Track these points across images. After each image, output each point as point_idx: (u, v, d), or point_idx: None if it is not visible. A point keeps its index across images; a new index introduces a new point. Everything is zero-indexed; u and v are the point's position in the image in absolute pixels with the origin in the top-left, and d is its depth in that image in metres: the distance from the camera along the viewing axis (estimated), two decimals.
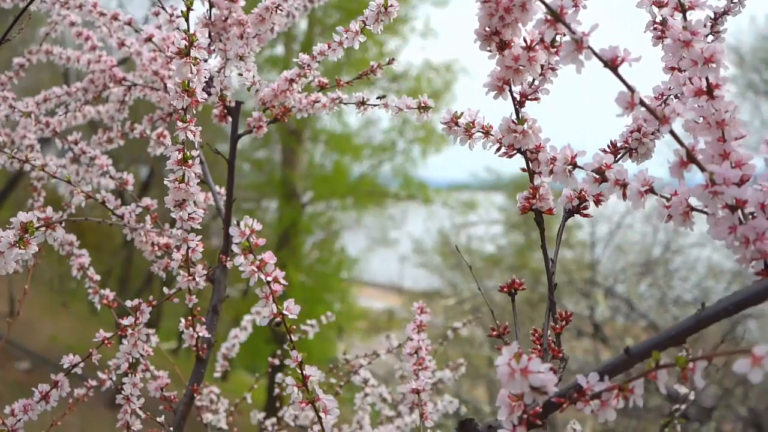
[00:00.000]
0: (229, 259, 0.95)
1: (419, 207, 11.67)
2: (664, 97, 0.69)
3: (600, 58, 0.51)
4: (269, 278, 0.63)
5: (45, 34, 1.32)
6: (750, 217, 0.53)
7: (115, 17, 1.10)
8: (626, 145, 0.69)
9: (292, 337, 0.64)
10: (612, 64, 0.51)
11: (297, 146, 11.40)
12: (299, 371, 0.65)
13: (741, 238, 0.51)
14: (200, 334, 0.98)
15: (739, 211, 0.53)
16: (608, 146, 0.70)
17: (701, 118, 0.55)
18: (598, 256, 6.54)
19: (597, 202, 0.68)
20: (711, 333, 6.20)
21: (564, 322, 0.63)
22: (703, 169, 0.52)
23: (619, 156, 0.69)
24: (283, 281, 0.63)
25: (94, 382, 1.11)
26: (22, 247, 0.68)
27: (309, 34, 9.51)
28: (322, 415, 0.65)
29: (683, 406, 1.11)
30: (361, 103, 0.96)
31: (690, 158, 0.52)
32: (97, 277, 1.11)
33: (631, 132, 0.69)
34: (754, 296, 0.49)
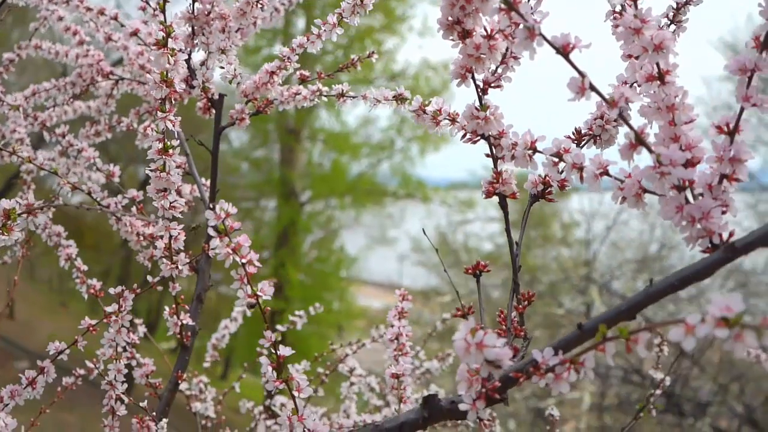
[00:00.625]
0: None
1: (418, 205, 11.70)
2: (627, 85, 0.71)
3: (552, 45, 0.53)
4: (244, 260, 0.65)
5: (34, 29, 1.34)
6: (700, 197, 0.55)
7: (101, 12, 1.13)
8: (590, 132, 0.71)
9: (266, 317, 0.66)
10: (564, 50, 0.53)
11: (295, 145, 11.42)
12: (274, 351, 0.67)
13: (687, 217, 0.53)
14: (184, 322, 1.00)
15: (689, 192, 0.56)
16: (572, 133, 0.72)
17: (654, 103, 0.57)
18: (594, 252, 6.57)
19: (561, 187, 0.70)
20: None
21: (527, 302, 0.66)
22: (651, 151, 0.54)
23: (583, 142, 0.72)
24: (257, 263, 0.65)
25: (82, 371, 1.13)
26: (5, 233, 0.70)
27: (307, 32, 9.52)
28: (295, 393, 0.67)
29: (658, 392, 1.13)
30: (341, 95, 0.99)
31: (639, 140, 0.54)
32: (84, 268, 1.13)
33: (595, 119, 0.71)
34: (699, 272, 0.52)
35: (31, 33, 1.36)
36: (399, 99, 0.86)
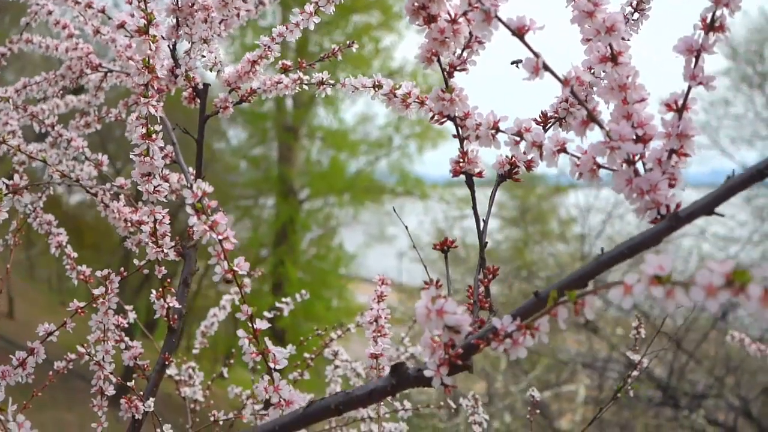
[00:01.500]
0: None
1: (416, 202, 11.72)
2: (592, 70, 0.74)
3: (508, 27, 0.56)
4: (221, 237, 0.68)
5: (25, 24, 1.37)
6: (650, 171, 0.58)
7: (89, 5, 1.15)
8: (555, 115, 0.74)
9: (243, 291, 0.69)
10: (519, 32, 0.56)
11: (293, 143, 11.45)
12: (250, 324, 0.70)
13: (637, 189, 0.56)
14: (171, 305, 1.03)
15: (640, 165, 0.58)
16: (539, 116, 0.75)
17: (607, 83, 0.60)
18: (590, 246, 6.59)
19: (528, 168, 0.73)
20: (701, 324, 6.27)
21: (492, 276, 0.68)
22: (602, 127, 0.57)
23: (549, 125, 0.74)
24: (233, 240, 0.68)
25: (73, 356, 1.16)
26: None
27: (303, 30, 9.56)
28: (271, 364, 0.70)
29: (635, 372, 1.16)
30: (321, 83, 1.01)
31: (590, 117, 0.57)
32: (75, 255, 1.16)
33: (560, 102, 0.74)
34: (647, 240, 0.54)
35: (22, 27, 1.39)
36: (376, 86, 0.89)
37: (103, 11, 1.16)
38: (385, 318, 0.99)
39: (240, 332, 0.70)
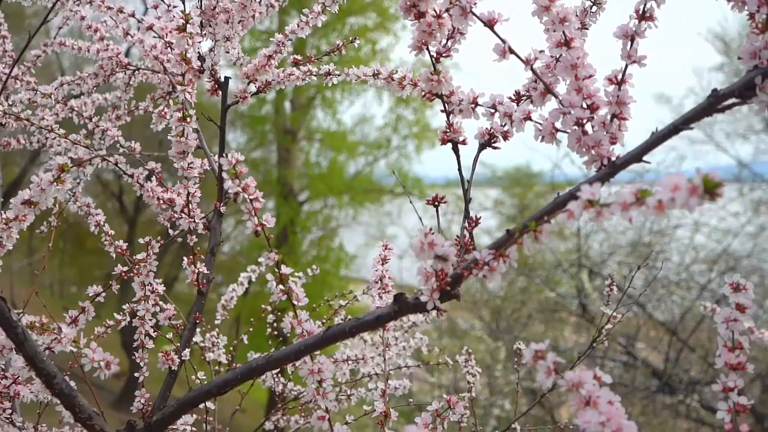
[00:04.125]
0: (223, 204, 1.15)
1: (415, 202, 11.85)
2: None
3: (481, 20, 0.71)
4: (252, 197, 0.83)
5: (59, 28, 1.52)
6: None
7: (120, 10, 1.30)
8: (527, 93, 0.89)
9: (269, 242, 0.84)
10: (490, 23, 0.71)
11: (292, 145, 11.59)
12: (277, 270, 0.85)
13: (584, 146, 0.71)
14: (200, 271, 1.18)
15: (589, 127, 0.73)
16: (513, 94, 0.90)
17: (562, 63, 0.75)
18: (585, 238, 6.75)
19: (505, 138, 0.87)
20: (695, 313, 6.42)
21: (474, 224, 0.83)
22: (556, 98, 0.72)
23: (521, 101, 0.89)
24: (261, 199, 0.83)
25: (111, 322, 1.31)
26: (59, 184, 0.88)
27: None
28: (295, 302, 0.85)
29: (609, 326, 1.31)
30: (328, 74, 1.17)
31: (547, 90, 0.72)
32: (112, 232, 1.30)
33: (531, 82, 0.89)
34: (596, 179, 0.69)
35: (56, 31, 1.54)
36: (376, 75, 1.04)
37: (132, 15, 1.31)
38: (388, 278, 1.14)
39: (269, 276, 0.85)
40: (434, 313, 0.77)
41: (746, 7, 0.67)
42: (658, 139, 0.67)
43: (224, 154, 0.80)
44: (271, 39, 1.19)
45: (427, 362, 1.51)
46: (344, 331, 0.78)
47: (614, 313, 1.31)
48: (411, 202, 1.08)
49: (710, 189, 0.48)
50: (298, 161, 12.12)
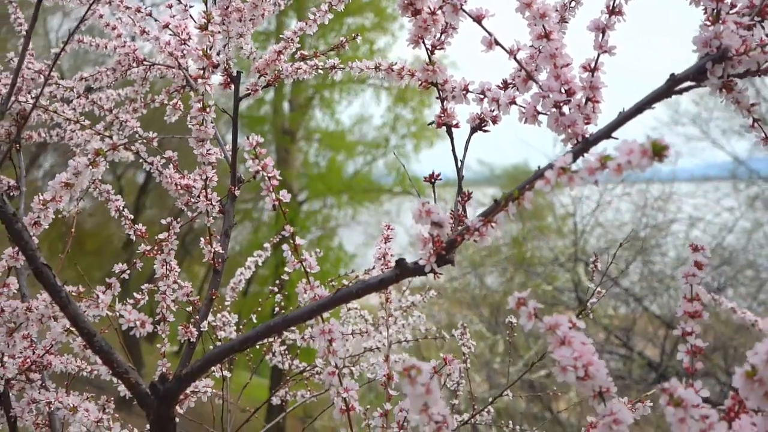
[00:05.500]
0: (237, 188, 1.25)
1: (414, 201, 11.95)
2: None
3: (470, 16, 0.81)
4: (270, 175, 0.93)
5: (76, 26, 1.62)
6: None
7: (138, 10, 1.40)
8: (513, 81, 0.99)
9: (285, 216, 0.94)
10: (478, 19, 0.81)
11: (291, 146, 11.70)
12: (292, 242, 0.95)
13: (562, 125, 0.81)
14: (216, 250, 1.28)
15: (566, 109, 0.83)
16: (501, 82, 0.99)
17: (542, 53, 0.85)
18: (581, 232, 6.86)
19: (494, 122, 0.97)
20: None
21: (467, 198, 0.94)
22: (537, 83, 0.82)
23: (508, 89, 0.99)
24: (278, 177, 0.93)
25: (132, 301, 1.40)
26: (94, 167, 0.97)
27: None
28: (308, 269, 0.95)
29: (594, 300, 1.41)
30: (332, 68, 1.27)
31: (528, 76, 0.82)
32: (131, 216, 1.40)
33: (516, 71, 0.99)
34: (568, 156, 0.79)
35: (73, 30, 1.64)
36: (377, 68, 1.14)
37: (150, 14, 1.40)
38: (390, 255, 1.24)
39: (285, 246, 0.95)
40: (431, 276, 0.87)
41: (702, 2, 0.77)
42: (624, 118, 0.77)
43: (246, 137, 0.90)
44: (272, 39, 1.29)
45: (425, 336, 1.61)
46: (352, 292, 0.88)
47: (599, 288, 1.41)
48: (419, 195, 1.18)
49: (658, 151, 0.58)
50: (297, 161, 12.22)
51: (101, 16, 1.52)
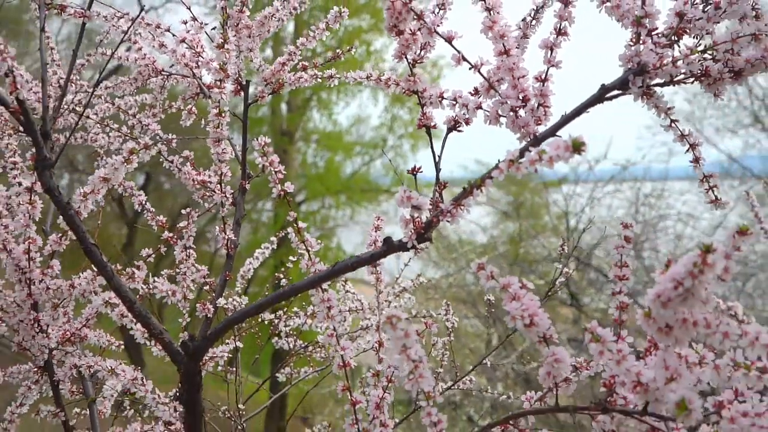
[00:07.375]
0: (247, 183, 1.43)
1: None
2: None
3: (441, 36, 0.99)
4: (276, 169, 1.11)
5: (99, 40, 1.80)
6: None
7: (158, 26, 1.58)
8: (479, 90, 1.17)
9: (291, 204, 1.12)
10: (449, 39, 1.00)
11: (289, 147, 11.86)
12: (296, 225, 1.13)
13: (518, 126, 1.00)
14: (229, 237, 1.46)
15: (522, 112, 1.02)
16: (473, 89, 1.18)
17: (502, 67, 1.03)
18: (572, 228, 7.04)
19: (467, 123, 1.16)
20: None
21: (443, 186, 1.12)
22: (497, 92, 1.00)
23: (477, 95, 1.17)
24: (283, 171, 1.11)
25: (164, 273, 1.58)
26: (128, 163, 1.16)
27: (296, 36, 10.05)
28: (309, 248, 1.13)
29: (561, 279, 1.58)
30: (331, 77, 1.45)
31: (490, 86, 1.01)
32: (153, 209, 1.58)
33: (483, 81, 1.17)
34: (525, 147, 0.97)
35: (96, 44, 1.82)
36: (369, 77, 1.32)
37: (168, 30, 1.59)
38: (380, 242, 1.42)
39: (289, 229, 1.13)
40: (412, 252, 1.05)
41: (627, 27, 0.95)
42: (564, 120, 0.95)
43: (255, 138, 1.08)
44: (269, 42, 1.47)
45: (414, 315, 1.79)
46: (347, 265, 1.07)
47: (567, 269, 1.59)
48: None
49: (577, 147, 0.76)
50: (295, 162, 12.38)
51: (124, 32, 1.70)
